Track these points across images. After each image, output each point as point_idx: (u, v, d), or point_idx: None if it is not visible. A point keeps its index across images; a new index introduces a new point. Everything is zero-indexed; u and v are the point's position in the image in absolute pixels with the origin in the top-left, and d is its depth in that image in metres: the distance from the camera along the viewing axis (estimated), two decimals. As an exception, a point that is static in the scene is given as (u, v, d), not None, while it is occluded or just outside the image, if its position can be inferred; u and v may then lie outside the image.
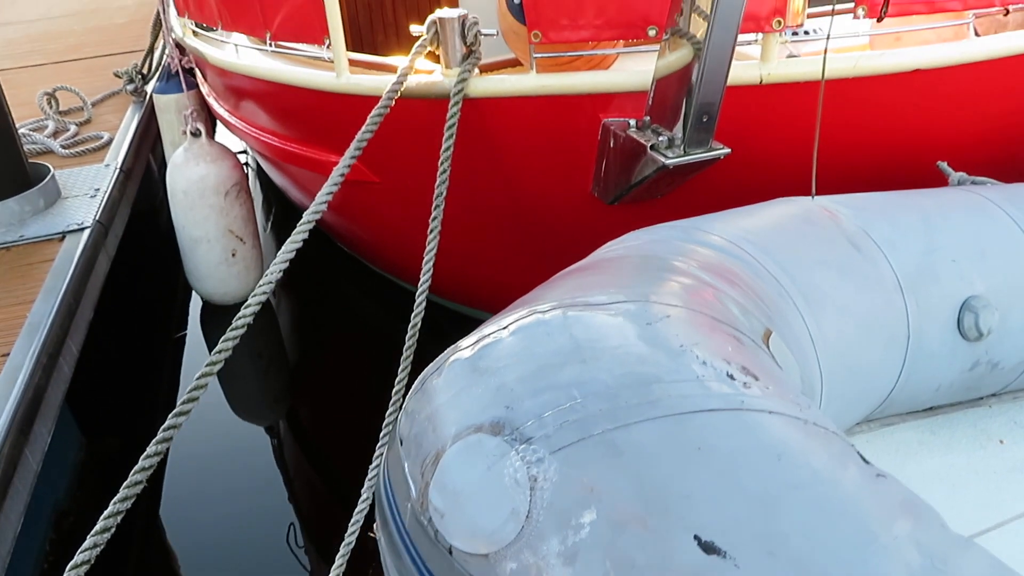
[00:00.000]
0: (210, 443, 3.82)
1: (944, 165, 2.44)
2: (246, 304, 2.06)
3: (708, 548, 1.05)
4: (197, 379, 1.82)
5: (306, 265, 4.98)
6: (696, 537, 1.05)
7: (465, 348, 1.28)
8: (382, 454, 2.11)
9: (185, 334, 4.45)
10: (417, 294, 2.50)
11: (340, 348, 4.30)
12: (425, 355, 1.36)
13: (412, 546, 1.21)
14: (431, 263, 2.57)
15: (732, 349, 1.26)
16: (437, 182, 2.56)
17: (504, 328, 1.28)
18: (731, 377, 1.20)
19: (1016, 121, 2.66)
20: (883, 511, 1.11)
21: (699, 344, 1.24)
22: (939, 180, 2.46)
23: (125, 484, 1.70)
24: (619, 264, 1.52)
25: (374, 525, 1.35)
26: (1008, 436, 2.22)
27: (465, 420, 1.18)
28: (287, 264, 2.31)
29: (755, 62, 2.56)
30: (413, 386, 1.33)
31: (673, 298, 1.34)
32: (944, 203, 2.20)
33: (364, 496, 2.17)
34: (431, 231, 2.60)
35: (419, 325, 2.35)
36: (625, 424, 1.11)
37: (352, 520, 2.23)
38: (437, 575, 1.17)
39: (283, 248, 2.30)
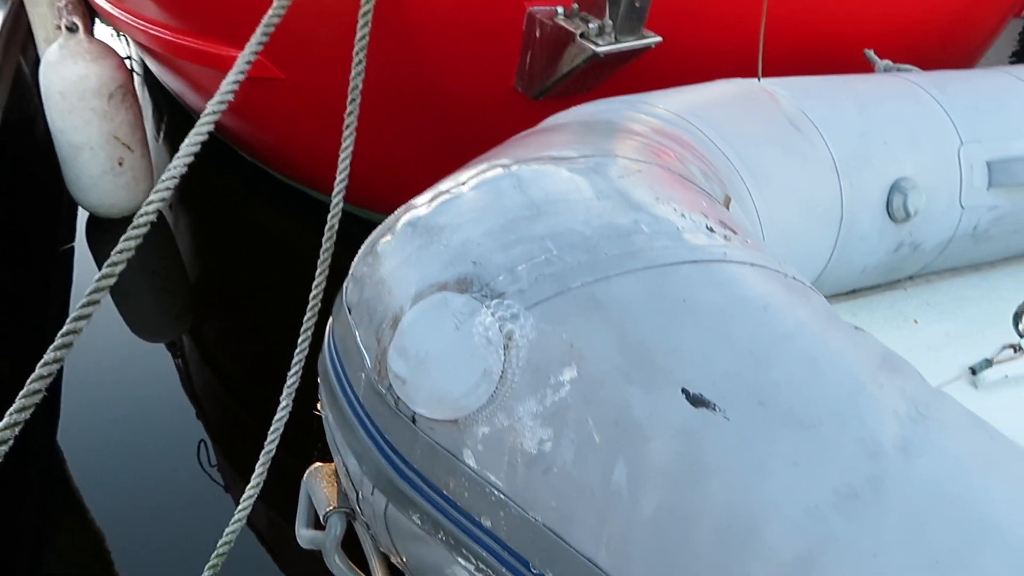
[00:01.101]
0: (107, 365, 3.57)
1: (871, 53, 2.41)
2: (139, 214, 1.86)
3: (697, 401, 0.97)
4: (88, 295, 1.63)
5: (205, 178, 4.66)
6: (684, 391, 0.97)
7: (420, 206, 1.15)
8: (300, 360, 1.97)
9: (72, 247, 4.11)
10: (332, 204, 2.32)
11: (247, 264, 4.05)
12: (342, 270, 1.23)
13: (368, 419, 1.09)
14: (346, 169, 2.38)
15: (707, 205, 1.18)
16: (352, 76, 2.36)
17: (463, 184, 1.15)
18: (711, 230, 1.11)
19: (937, 10, 2.66)
20: (867, 362, 1.05)
21: (674, 198, 1.14)
22: (866, 68, 2.43)
23: (22, 394, 1.52)
24: (574, 128, 1.40)
25: (318, 404, 1.22)
26: (922, 317, 2.26)
27: (426, 279, 1.05)
28: (184, 169, 2.09)
29: (687, -55, 2.44)
30: (360, 251, 1.19)
31: (638, 154, 1.23)
32: (876, 87, 2.17)
33: (283, 404, 2.03)
34: (345, 132, 2.41)
35: (334, 238, 2.18)
36: (606, 276, 1.01)
37: (272, 428, 2.09)
38: (399, 447, 1.06)
39: (179, 153, 2.09)
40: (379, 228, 1.17)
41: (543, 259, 1.01)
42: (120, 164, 3.81)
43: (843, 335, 1.08)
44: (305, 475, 1.27)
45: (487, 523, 1.00)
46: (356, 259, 1.18)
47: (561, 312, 0.99)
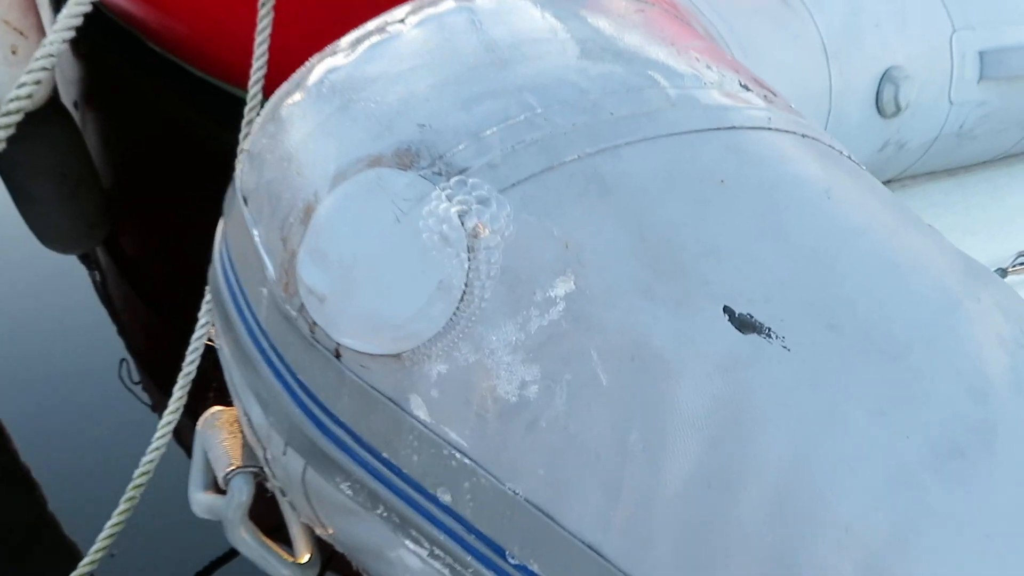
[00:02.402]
0: (15, 280, 3.14)
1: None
2: (9, 98, 1.45)
3: (744, 324, 0.65)
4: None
5: (114, 73, 4.10)
6: (727, 309, 0.64)
7: (341, 52, 0.77)
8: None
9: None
10: (248, 97, 1.90)
11: (163, 166, 3.56)
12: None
13: (273, 352, 0.74)
14: (263, 57, 1.95)
15: (733, 59, 0.83)
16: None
17: (400, 22, 0.77)
18: (745, 88, 0.77)
19: None
20: (954, 269, 0.75)
21: (695, 46, 0.79)
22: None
23: None
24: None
25: (211, 332, 0.87)
26: None
27: (352, 151, 0.68)
28: (63, 45, 1.66)
29: None
30: (260, 116, 0.81)
31: (638, -6, 0.87)
32: (866, -39, 1.83)
33: (203, 320, 1.68)
34: (262, 14, 1.97)
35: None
36: (613, 145, 0.66)
37: (190, 348, 1.72)
38: (317, 392, 0.71)
39: (55, 26, 1.65)
40: (284, 85, 0.79)
41: (522, 119, 0.66)
42: (13, 52, 3.25)
43: (921, 233, 0.76)
44: (199, 422, 0.92)
45: (446, 497, 0.67)
46: (255, 128, 0.80)
47: (551, 196, 0.64)
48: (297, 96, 0.75)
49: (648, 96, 0.69)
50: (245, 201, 0.77)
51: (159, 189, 3.44)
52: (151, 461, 2.03)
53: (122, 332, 3.00)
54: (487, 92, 0.67)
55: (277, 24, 1.98)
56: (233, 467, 0.87)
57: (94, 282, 3.22)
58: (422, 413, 0.67)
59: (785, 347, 0.64)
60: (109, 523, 2.09)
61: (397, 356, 0.66)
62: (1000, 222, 2.01)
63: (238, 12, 2.37)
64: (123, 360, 2.84)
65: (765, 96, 0.77)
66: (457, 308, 0.64)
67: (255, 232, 0.75)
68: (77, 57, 3.99)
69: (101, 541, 2.07)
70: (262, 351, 0.75)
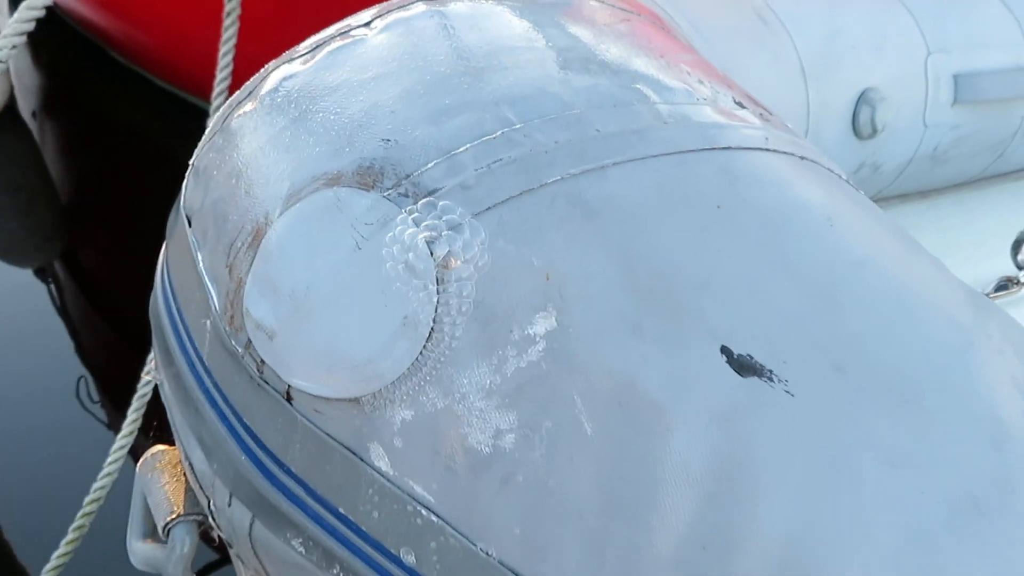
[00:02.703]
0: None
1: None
2: None
3: (744, 366, 0.57)
4: None
5: (75, 83, 3.96)
6: (725, 349, 0.57)
7: (299, 58, 0.69)
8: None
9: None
10: (211, 109, 1.81)
11: (124, 179, 3.43)
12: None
13: (217, 392, 0.65)
14: (228, 67, 1.86)
15: (723, 75, 0.77)
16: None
17: (364, 26, 0.69)
18: (740, 105, 0.70)
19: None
20: (963, 301, 0.69)
21: (686, 60, 0.72)
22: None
23: None
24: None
25: (149, 364, 0.78)
26: None
27: (308, 167, 0.60)
28: (12, 51, 1.57)
29: None
30: (207, 129, 0.73)
31: (622, 3, 0.80)
32: (843, -18, 1.80)
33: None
34: (227, 23, 1.88)
35: None
36: (600, 166, 0.59)
37: (146, 367, 1.61)
38: (266, 439, 0.63)
39: (6, 31, 1.56)
40: (236, 94, 0.71)
41: (499, 135, 0.58)
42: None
43: (926, 263, 0.70)
44: (139, 464, 0.82)
45: (409, 558, 0.59)
46: (203, 142, 0.72)
47: (531, 222, 0.57)
48: (249, 106, 0.67)
49: (637, 112, 0.62)
50: (189, 222, 0.69)
51: (119, 202, 3.31)
52: (102, 487, 1.91)
53: (80, 349, 2.88)
54: (460, 104, 0.60)
55: (243, 33, 1.90)
56: (175, 515, 0.77)
57: (51, 297, 3.09)
58: (384, 464, 0.58)
59: (788, 392, 0.57)
60: (56, 553, 1.96)
61: (356, 400, 0.58)
62: (973, 245, 1.98)
63: (203, 20, 2.28)
64: (81, 378, 2.71)
65: (760, 114, 0.70)
66: (424, 347, 0.56)
67: (199, 257, 0.66)
68: (37, 66, 3.86)
69: (47, 574, 1.94)
70: (205, 391, 0.66)
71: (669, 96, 0.65)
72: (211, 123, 0.71)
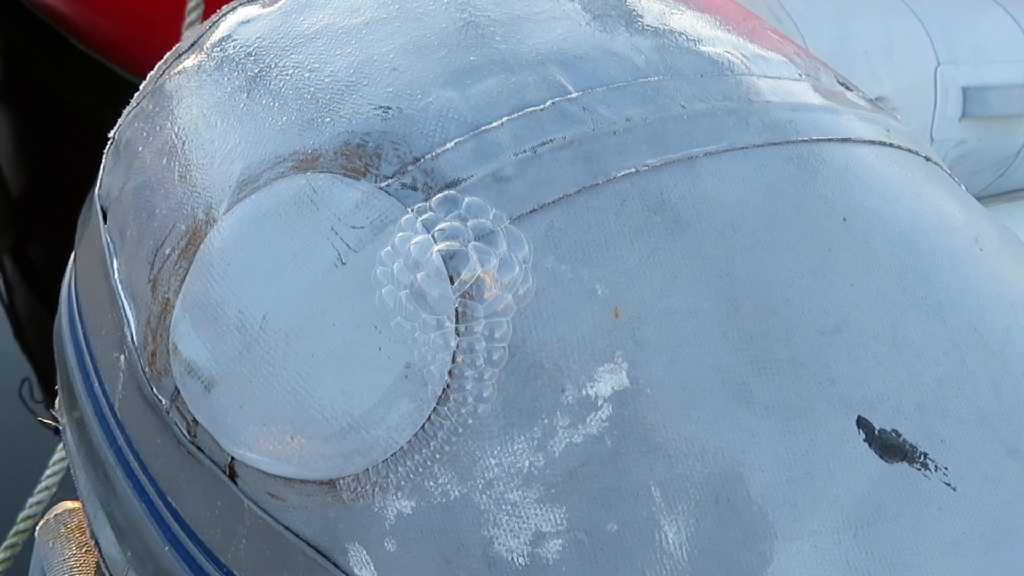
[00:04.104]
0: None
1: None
2: None
3: (889, 448, 0.38)
4: None
5: (33, 73, 3.68)
6: (863, 423, 0.38)
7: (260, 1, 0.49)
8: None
9: None
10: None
11: (80, 173, 3.17)
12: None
13: (131, 454, 0.45)
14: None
15: (807, 49, 0.59)
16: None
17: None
18: (846, 87, 0.52)
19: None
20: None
21: (769, 27, 0.54)
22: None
23: None
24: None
25: (56, 402, 0.57)
26: None
27: (270, 142, 0.40)
28: None
29: None
30: (135, 94, 0.52)
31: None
32: (854, -14, 1.65)
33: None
34: (190, 6, 1.68)
35: None
36: (688, 156, 0.40)
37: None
38: (197, 528, 0.42)
39: None
40: (176, 46, 0.51)
41: (549, 108, 0.39)
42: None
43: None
44: (39, 528, 0.62)
45: None
46: (128, 109, 0.51)
47: (594, 233, 0.38)
48: (192, 60, 0.47)
49: (732, 84, 0.43)
50: (104, 216, 0.48)
51: (73, 198, 3.06)
52: (39, 503, 1.67)
53: (26, 349, 2.66)
54: (491, 61, 0.40)
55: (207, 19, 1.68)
56: (80, 601, 0.57)
57: (-2, 292, 2.86)
58: (367, 574, 0.39)
59: (949, 484, 0.39)
60: (-16, 574, 1.71)
61: (331, 483, 0.38)
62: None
63: (167, 7, 2.07)
64: (26, 379, 2.49)
65: (870, 100, 0.52)
66: (435, 410, 0.37)
67: (114, 265, 0.46)
68: (-8, 52, 3.57)
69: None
70: (116, 450, 0.46)
71: (765, 67, 0.47)
72: (143, 84, 0.51)
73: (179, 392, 0.40)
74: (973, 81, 1.73)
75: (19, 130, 3.36)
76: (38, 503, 1.69)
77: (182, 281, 0.40)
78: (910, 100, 1.63)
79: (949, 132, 1.72)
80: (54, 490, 1.65)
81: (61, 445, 1.64)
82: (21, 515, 1.69)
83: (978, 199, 1.71)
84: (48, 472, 1.66)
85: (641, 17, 0.46)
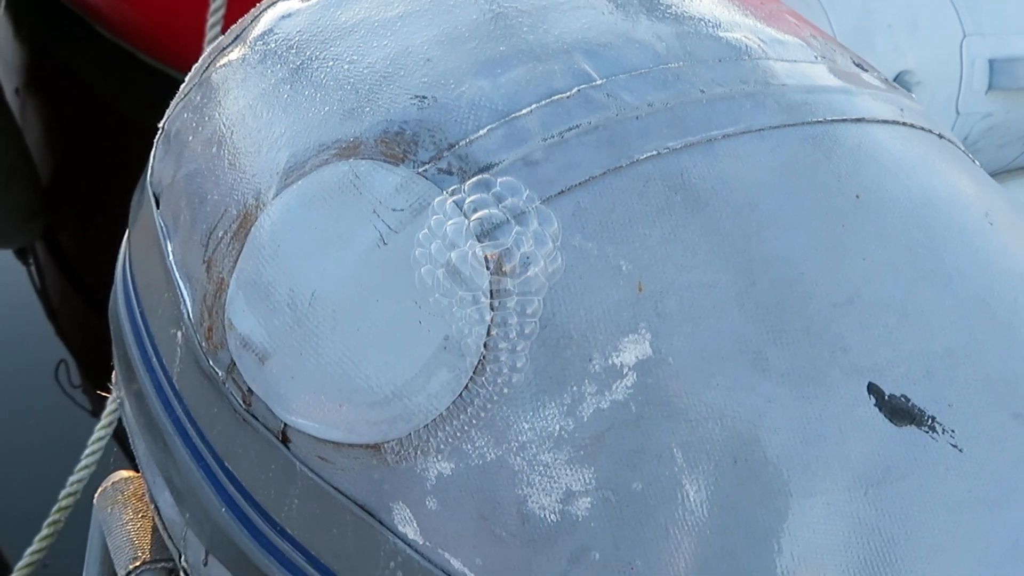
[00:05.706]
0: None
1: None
2: None
3: (898, 411, 0.42)
4: None
5: (58, 60, 3.74)
6: (873, 389, 0.41)
7: (301, -5, 0.52)
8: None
9: None
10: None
11: (108, 159, 3.23)
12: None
13: (190, 424, 0.49)
14: (216, 42, 1.67)
15: (818, 28, 0.61)
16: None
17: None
18: (861, 68, 0.54)
19: None
20: None
21: (787, 11, 0.56)
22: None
23: None
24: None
25: (112, 376, 0.61)
26: None
27: (314, 132, 0.44)
28: None
29: None
30: (182, 85, 0.56)
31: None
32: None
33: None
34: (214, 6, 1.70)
35: None
36: (707, 139, 0.43)
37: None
38: (252, 489, 0.46)
39: None
40: (219, 39, 0.54)
41: (575, 95, 0.42)
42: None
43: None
44: (97, 495, 0.66)
45: (443, 655, 0.43)
46: (174, 99, 0.55)
47: (618, 212, 0.41)
48: (236, 53, 0.50)
49: (749, 69, 0.46)
50: (157, 202, 0.52)
51: (102, 183, 3.12)
52: (79, 481, 1.74)
53: (60, 332, 2.73)
54: (520, 51, 0.43)
55: (232, 6, 1.71)
56: (138, 562, 0.61)
57: (31, 279, 2.93)
58: (411, 531, 0.42)
59: (955, 445, 0.42)
60: (30, 550, 1.79)
61: (376, 447, 0.42)
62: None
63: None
64: (62, 362, 2.56)
65: (884, 80, 0.54)
66: (471, 379, 0.40)
67: (168, 248, 0.49)
68: (19, 40, 3.63)
69: (18, 572, 1.77)
70: (175, 421, 0.49)
71: (781, 51, 0.49)
72: (189, 75, 0.55)
73: (235, 364, 0.44)
74: (1000, 53, 1.71)
75: (47, 118, 3.42)
76: (79, 480, 1.75)
77: (235, 262, 0.44)
78: (935, 73, 1.62)
79: (976, 105, 1.71)
80: (94, 468, 1.72)
81: (99, 425, 1.70)
82: (63, 492, 1.76)
83: (1005, 172, 1.69)
84: (87, 451, 1.72)
85: (661, 5, 0.49)
